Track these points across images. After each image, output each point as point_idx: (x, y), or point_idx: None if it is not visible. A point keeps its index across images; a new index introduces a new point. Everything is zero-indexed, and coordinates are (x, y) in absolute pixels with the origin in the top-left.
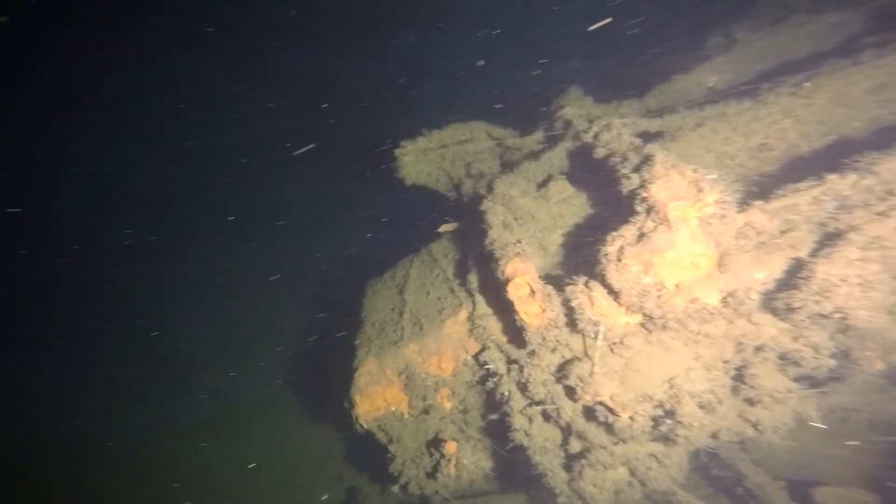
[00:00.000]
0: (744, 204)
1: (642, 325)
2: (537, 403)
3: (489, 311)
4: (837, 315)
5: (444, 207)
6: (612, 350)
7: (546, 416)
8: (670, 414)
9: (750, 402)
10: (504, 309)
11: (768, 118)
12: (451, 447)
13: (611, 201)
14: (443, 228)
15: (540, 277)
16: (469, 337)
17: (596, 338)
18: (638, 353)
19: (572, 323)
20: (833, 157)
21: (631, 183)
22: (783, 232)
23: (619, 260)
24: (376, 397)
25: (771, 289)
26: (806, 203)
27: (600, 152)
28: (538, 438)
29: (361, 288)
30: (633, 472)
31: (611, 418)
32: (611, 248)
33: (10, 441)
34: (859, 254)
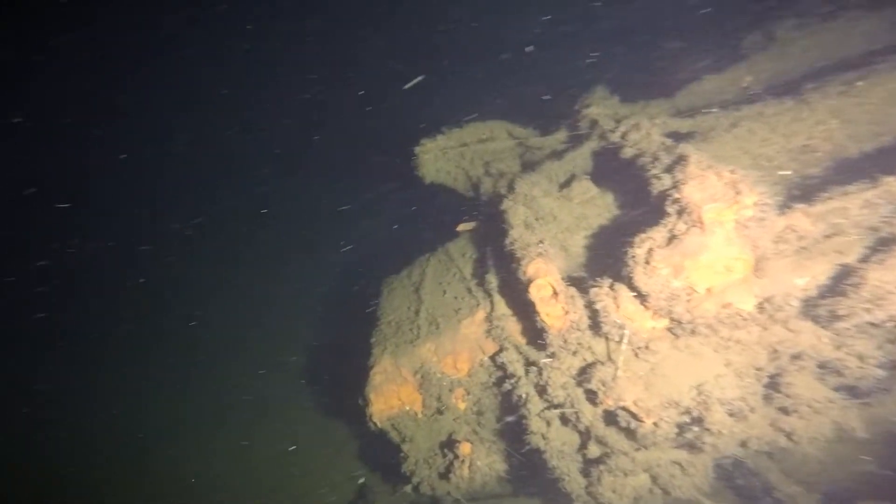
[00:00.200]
0: (783, 207)
1: (669, 329)
2: (556, 407)
3: (508, 311)
4: (891, 324)
5: (462, 206)
6: (636, 354)
7: (564, 420)
8: (698, 421)
9: (784, 410)
10: (524, 310)
11: (813, 118)
12: (465, 448)
13: (638, 202)
14: (461, 227)
15: (562, 279)
16: (486, 337)
17: (620, 341)
18: (664, 359)
19: (595, 326)
20: (886, 160)
21: (662, 184)
22: (828, 237)
23: (647, 262)
24: (391, 396)
25: (812, 295)
26: (857, 206)
27: (628, 152)
28: (555, 442)
29: (377, 286)
30: (654, 480)
31: (633, 424)
32: (639, 251)
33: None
34: None
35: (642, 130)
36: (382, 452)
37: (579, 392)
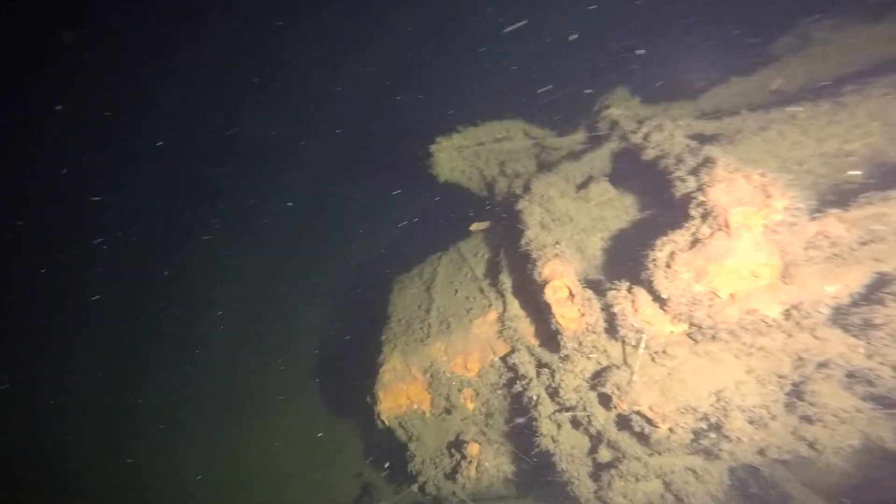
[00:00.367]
0: (816, 212)
1: (688, 334)
2: (567, 409)
3: (521, 312)
4: None
5: (474, 206)
6: (653, 359)
7: (575, 423)
8: (716, 428)
9: (807, 419)
10: (537, 311)
11: (851, 121)
12: (473, 449)
13: (658, 205)
14: (474, 227)
15: (578, 281)
16: (497, 338)
17: (637, 345)
18: (682, 364)
19: (611, 329)
20: None
21: (686, 186)
22: (864, 243)
23: (668, 266)
24: (399, 394)
25: (844, 303)
26: None
27: (650, 154)
28: (565, 445)
29: (388, 284)
30: (667, 486)
31: (647, 429)
32: (660, 254)
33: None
34: None
35: (665, 132)
36: (387, 451)
37: (592, 395)
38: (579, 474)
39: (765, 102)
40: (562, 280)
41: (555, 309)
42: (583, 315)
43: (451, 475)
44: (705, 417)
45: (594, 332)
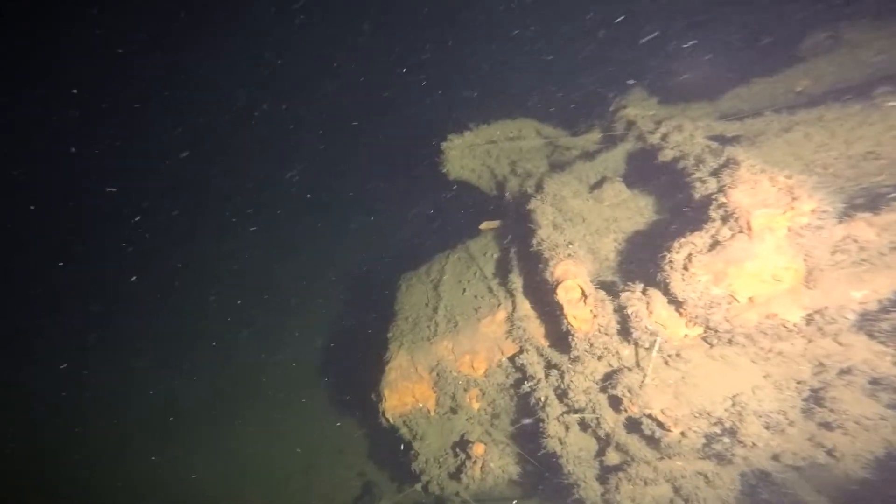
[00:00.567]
0: (843, 215)
1: (703, 338)
2: (576, 411)
3: (531, 312)
4: None
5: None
6: (666, 362)
7: (583, 426)
8: (730, 432)
9: (827, 426)
10: (548, 311)
11: (883, 123)
12: (478, 449)
13: (674, 206)
14: (484, 226)
15: (591, 282)
16: (506, 338)
17: (650, 348)
18: (696, 367)
19: (624, 331)
20: None
21: (706, 187)
22: (895, 248)
23: (685, 268)
24: (405, 393)
25: (871, 309)
26: None
27: (668, 154)
28: (573, 447)
29: (394, 281)
30: (677, 490)
31: (658, 432)
32: (677, 256)
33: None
34: None
35: (685, 132)
36: (390, 449)
37: (602, 398)
38: (586, 477)
39: (789, 104)
40: (574, 280)
41: (567, 310)
42: (595, 316)
43: (456, 475)
44: (719, 422)
45: (606, 334)
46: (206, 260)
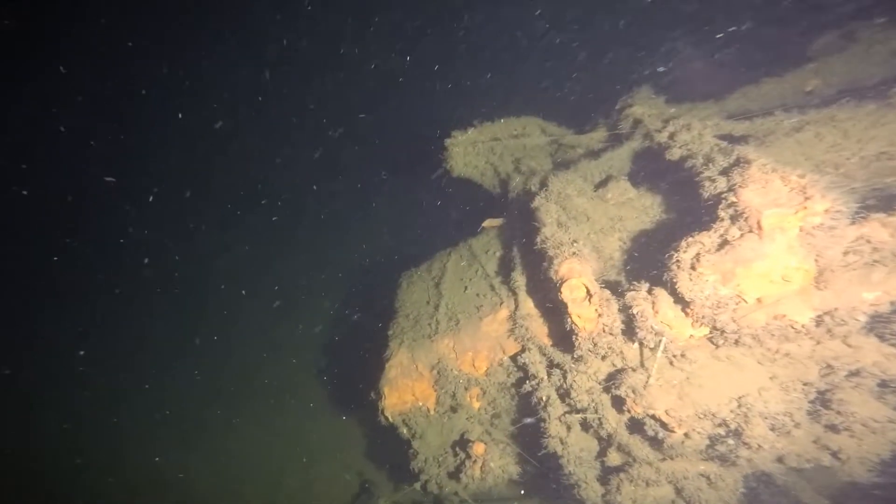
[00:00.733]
0: (856, 216)
1: (709, 338)
2: (578, 411)
3: (533, 311)
4: None
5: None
6: (671, 363)
7: (585, 426)
8: (735, 434)
9: (833, 428)
10: (551, 310)
11: None
12: (478, 448)
13: (681, 206)
14: (487, 223)
15: (596, 281)
16: (508, 337)
17: (655, 348)
18: (702, 368)
19: (628, 331)
20: None
21: (715, 186)
22: None
23: (693, 268)
24: (405, 391)
25: (883, 311)
26: None
27: (676, 153)
28: (574, 448)
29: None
30: (679, 492)
31: (661, 433)
32: (684, 255)
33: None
34: None
35: (694, 131)
36: (388, 448)
37: (605, 398)
38: (587, 477)
39: (799, 104)
40: (579, 279)
41: (571, 308)
42: (600, 316)
43: (455, 474)
44: (724, 423)
45: (611, 334)
46: (206, 253)
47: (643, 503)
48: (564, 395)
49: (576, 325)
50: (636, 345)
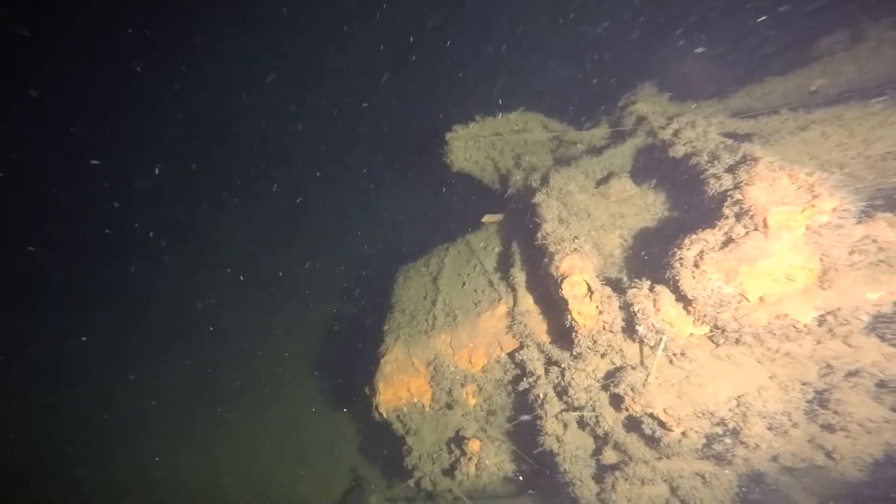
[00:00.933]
0: (863, 215)
1: (709, 337)
2: (575, 409)
3: (532, 307)
4: None
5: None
6: (671, 361)
7: (582, 424)
8: (733, 433)
9: (829, 428)
10: (551, 307)
11: None
12: (474, 445)
13: (684, 203)
14: (486, 219)
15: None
16: (506, 333)
17: (656, 346)
18: (701, 367)
19: (629, 328)
20: None
21: (720, 184)
22: None
23: (696, 266)
24: (400, 386)
25: (886, 311)
26: None
27: (680, 150)
28: (570, 446)
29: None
30: (674, 490)
31: (659, 432)
32: (688, 253)
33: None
34: None
35: (699, 129)
36: (382, 444)
37: (603, 396)
38: (582, 476)
39: (803, 103)
40: (581, 276)
41: (572, 305)
42: (601, 313)
43: (450, 471)
44: (722, 422)
45: (611, 331)
46: (199, 244)
47: (638, 502)
48: (562, 392)
49: (576, 321)
50: (636, 343)
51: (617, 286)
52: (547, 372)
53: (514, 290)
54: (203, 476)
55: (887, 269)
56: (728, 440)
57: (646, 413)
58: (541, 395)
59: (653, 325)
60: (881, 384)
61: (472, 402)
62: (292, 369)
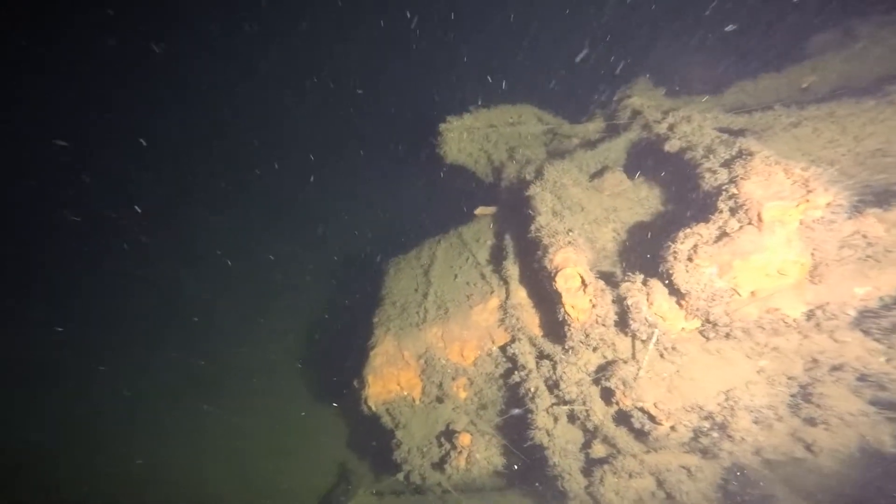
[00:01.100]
0: (853, 211)
1: (700, 331)
2: (566, 403)
3: (525, 301)
4: None
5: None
6: (662, 355)
7: (572, 417)
8: (720, 427)
9: (811, 421)
10: (544, 300)
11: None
12: (464, 439)
13: (677, 197)
14: (479, 211)
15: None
16: (498, 326)
17: (647, 340)
18: (691, 361)
19: (621, 322)
20: None
21: (715, 178)
22: None
23: (690, 259)
24: (390, 379)
25: (871, 307)
26: None
27: (675, 145)
28: (560, 440)
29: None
30: (660, 483)
31: (648, 426)
32: (682, 247)
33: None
34: None
35: (693, 123)
36: (370, 437)
37: (594, 390)
38: (571, 469)
39: (795, 99)
40: (574, 269)
41: (565, 298)
42: (594, 306)
43: (439, 465)
44: (710, 416)
45: (603, 325)
46: (190, 236)
47: (625, 495)
48: (553, 386)
49: (569, 315)
50: (628, 336)
51: (610, 280)
52: (538, 366)
53: (506, 283)
54: (188, 471)
55: (875, 265)
56: (715, 434)
57: (636, 407)
58: (532, 389)
59: (646, 318)
60: (862, 378)
61: (463, 395)
62: (281, 362)
